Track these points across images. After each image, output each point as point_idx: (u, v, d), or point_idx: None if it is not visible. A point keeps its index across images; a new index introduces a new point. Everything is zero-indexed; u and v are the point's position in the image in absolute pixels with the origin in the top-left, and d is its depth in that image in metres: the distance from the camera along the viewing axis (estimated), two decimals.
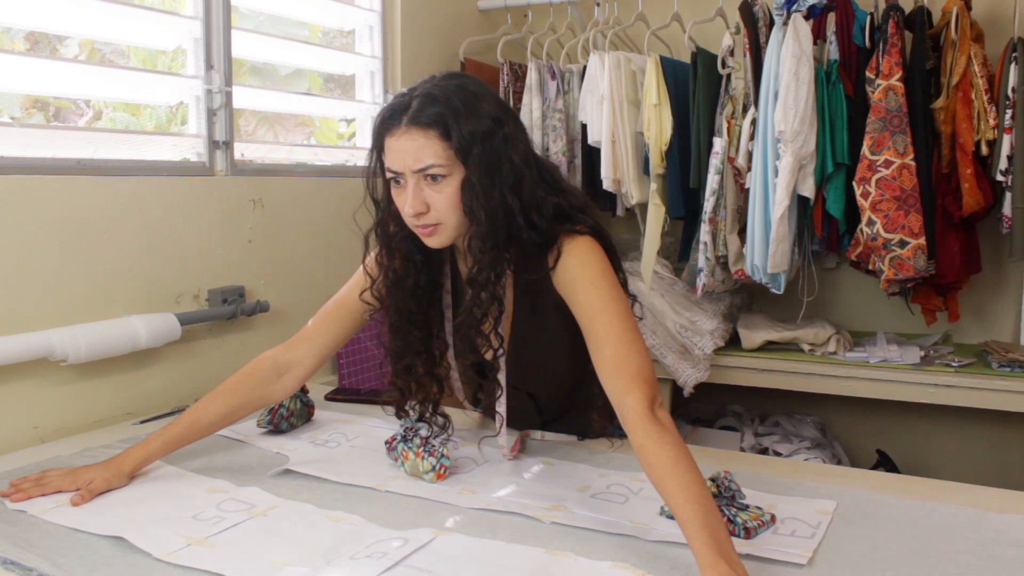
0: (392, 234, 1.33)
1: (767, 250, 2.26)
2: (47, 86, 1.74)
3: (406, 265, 1.34)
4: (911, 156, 2.19)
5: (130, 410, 1.72)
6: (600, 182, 2.46)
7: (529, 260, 1.30)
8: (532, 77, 2.59)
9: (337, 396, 1.84)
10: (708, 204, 2.35)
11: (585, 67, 2.53)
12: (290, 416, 1.57)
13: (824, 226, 2.36)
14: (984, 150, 2.22)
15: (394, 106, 1.23)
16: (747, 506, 1.12)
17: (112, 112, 1.98)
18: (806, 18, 2.22)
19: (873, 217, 2.21)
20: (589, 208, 1.35)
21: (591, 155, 2.59)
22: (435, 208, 1.22)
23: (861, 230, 2.25)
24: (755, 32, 2.32)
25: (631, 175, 2.45)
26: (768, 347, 2.52)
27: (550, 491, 1.26)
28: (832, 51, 2.35)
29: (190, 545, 1.07)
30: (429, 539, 1.08)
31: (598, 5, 2.65)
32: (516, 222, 1.24)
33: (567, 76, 2.65)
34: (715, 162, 2.34)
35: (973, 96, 2.22)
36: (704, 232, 2.37)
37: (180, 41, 1.92)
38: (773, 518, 1.13)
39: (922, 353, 2.40)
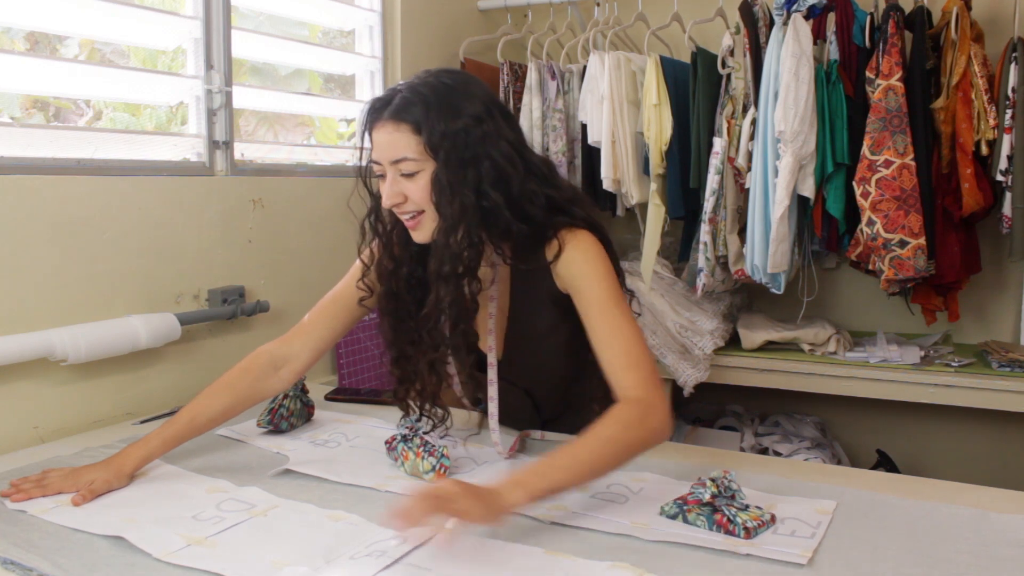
0: (387, 223, 1.36)
1: (767, 250, 2.26)
2: (47, 86, 1.74)
3: (401, 253, 1.36)
4: (911, 156, 2.19)
5: (130, 410, 1.72)
6: (600, 182, 2.46)
7: (524, 252, 1.31)
8: (532, 77, 2.59)
9: (337, 396, 1.84)
10: (708, 204, 2.35)
11: (585, 67, 2.53)
12: (290, 416, 1.57)
13: (824, 226, 2.36)
14: (984, 150, 2.22)
15: (380, 99, 1.27)
16: (747, 506, 1.12)
17: (112, 112, 1.98)
18: (806, 18, 2.21)
19: (873, 217, 2.21)
20: (582, 201, 1.36)
21: (591, 155, 2.59)
22: (411, 199, 1.26)
23: (861, 230, 2.25)
24: (755, 32, 2.32)
25: (631, 175, 2.45)
26: (768, 347, 2.52)
27: None
28: (832, 51, 2.34)
29: (190, 545, 1.07)
30: (428, 538, 1.08)
31: (598, 5, 2.65)
32: (502, 216, 1.26)
33: (567, 76, 2.65)
34: (715, 162, 2.34)
35: (973, 96, 2.22)
36: (704, 232, 2.37)
37: (180, 41, 1.92)
38: (773, 518, 1.13)
39: (922, 353, 2.39)
